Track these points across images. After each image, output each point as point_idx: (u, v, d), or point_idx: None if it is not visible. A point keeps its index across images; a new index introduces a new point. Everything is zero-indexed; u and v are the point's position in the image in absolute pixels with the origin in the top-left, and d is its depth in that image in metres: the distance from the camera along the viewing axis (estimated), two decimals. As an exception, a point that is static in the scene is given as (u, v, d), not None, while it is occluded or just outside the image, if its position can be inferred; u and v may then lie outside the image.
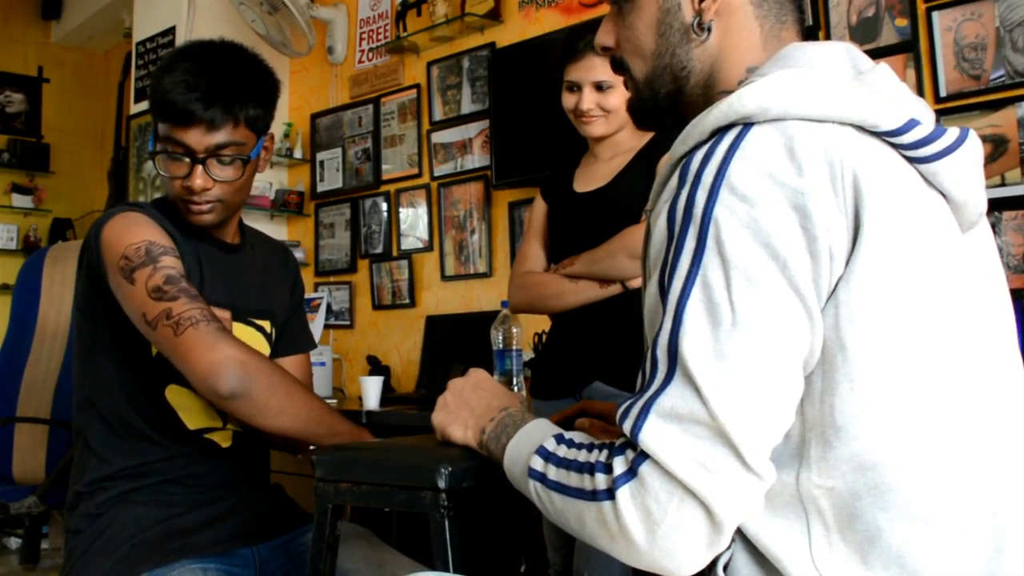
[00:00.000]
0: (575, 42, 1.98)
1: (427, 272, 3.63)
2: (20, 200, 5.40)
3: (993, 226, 2.13)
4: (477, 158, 3.45)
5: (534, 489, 0.89)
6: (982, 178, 0.89)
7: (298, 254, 3.95)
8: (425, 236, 3.63)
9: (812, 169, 0.78)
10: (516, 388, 2.18)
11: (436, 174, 3.60)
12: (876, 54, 2.40)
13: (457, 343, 3.27)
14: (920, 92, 2.38)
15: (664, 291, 0.81)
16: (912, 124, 0.82)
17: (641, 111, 1.02)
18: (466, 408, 1.09)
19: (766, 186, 0.77)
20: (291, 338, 1.69)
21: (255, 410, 1.35)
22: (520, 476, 0.93)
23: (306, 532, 1.54)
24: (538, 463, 0.89)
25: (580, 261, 1.95)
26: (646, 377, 0.81)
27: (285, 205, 4.08)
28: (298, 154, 4.10)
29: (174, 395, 1.48)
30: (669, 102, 0.98)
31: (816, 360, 0.79)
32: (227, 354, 1.32)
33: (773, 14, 0.95)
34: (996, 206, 2.21)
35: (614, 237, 1.90)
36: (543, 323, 2.22)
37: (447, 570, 1.04)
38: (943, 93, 2.36)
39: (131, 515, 1.44)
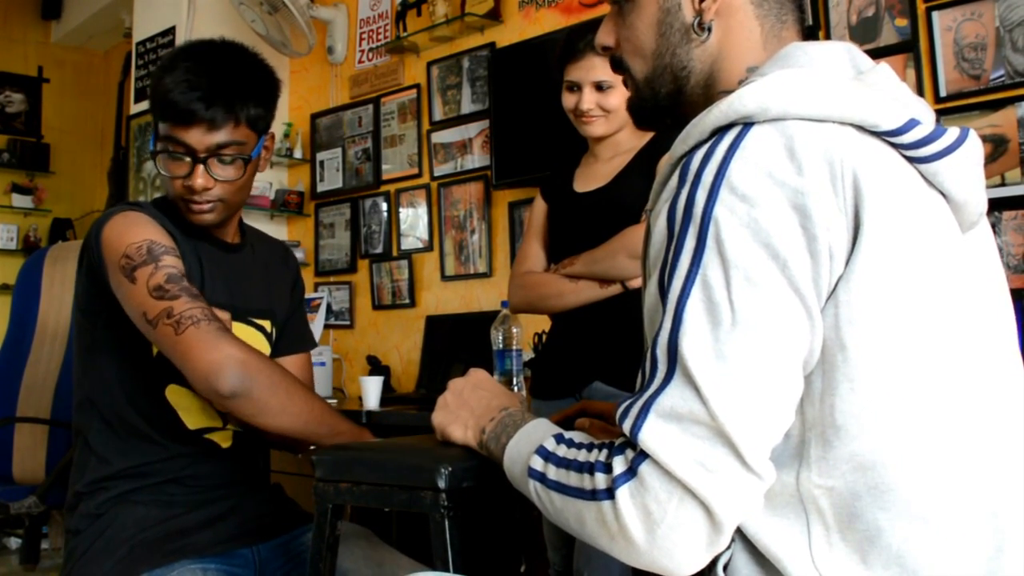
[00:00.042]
0: (575, 42, 1.98)
1: (427, 272, 3.63)
2: (20, 200, 5.39)
3: (993, 226, 2.13)
4: (477, 158, 3.45)
5: (534, 489, 0.89)
6: (982, 178, 0.89)
7: (298, 254, 3.95)
8: (425, 236, 3.63)
9: (812, 169, 0.78)
10: (516, 388, 2.18)
11: (436, 174, 3.59)
12: (876, 54, 2.40)
13: (457, 343, 3.27)
14: (920, 92, 2.38)
15: (664, 291, 0.81)
16: (912, 124, 0.82)
17: (641, 111, 1.02)
18: (466, 408, 1.09)
19: (766, 186, 0.77)
20: (291, 337, 1.69)
21: (256, 409, 1.35)
22: (520, 476, 0.93)
23: (306, 532, 1.54)
24: (538, 463, 0.89)
25: (580, 261, 1.95)
26: (646, 377, 0.81)
27: (285, 205, 4.08)
28: (298, 154, 4.10)
29: (174, 395, 1.48)
30: (669, 102, 0.98)
31: (816, 360, 0.79)
32: (228, 353, 1.32)
33: (773, 14, 0.95)
34: (996, 206, 2.21)
35: (614, 237, 1.90)
36: (543, 323, 2.22)
37: (447, 570, 1.04)
38: (943, 93, 2.36)
39: (131, 515, 1.44)
